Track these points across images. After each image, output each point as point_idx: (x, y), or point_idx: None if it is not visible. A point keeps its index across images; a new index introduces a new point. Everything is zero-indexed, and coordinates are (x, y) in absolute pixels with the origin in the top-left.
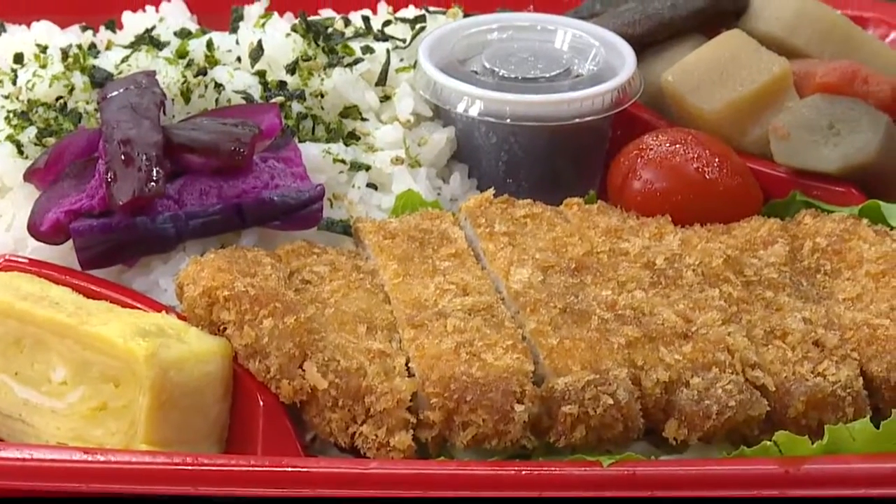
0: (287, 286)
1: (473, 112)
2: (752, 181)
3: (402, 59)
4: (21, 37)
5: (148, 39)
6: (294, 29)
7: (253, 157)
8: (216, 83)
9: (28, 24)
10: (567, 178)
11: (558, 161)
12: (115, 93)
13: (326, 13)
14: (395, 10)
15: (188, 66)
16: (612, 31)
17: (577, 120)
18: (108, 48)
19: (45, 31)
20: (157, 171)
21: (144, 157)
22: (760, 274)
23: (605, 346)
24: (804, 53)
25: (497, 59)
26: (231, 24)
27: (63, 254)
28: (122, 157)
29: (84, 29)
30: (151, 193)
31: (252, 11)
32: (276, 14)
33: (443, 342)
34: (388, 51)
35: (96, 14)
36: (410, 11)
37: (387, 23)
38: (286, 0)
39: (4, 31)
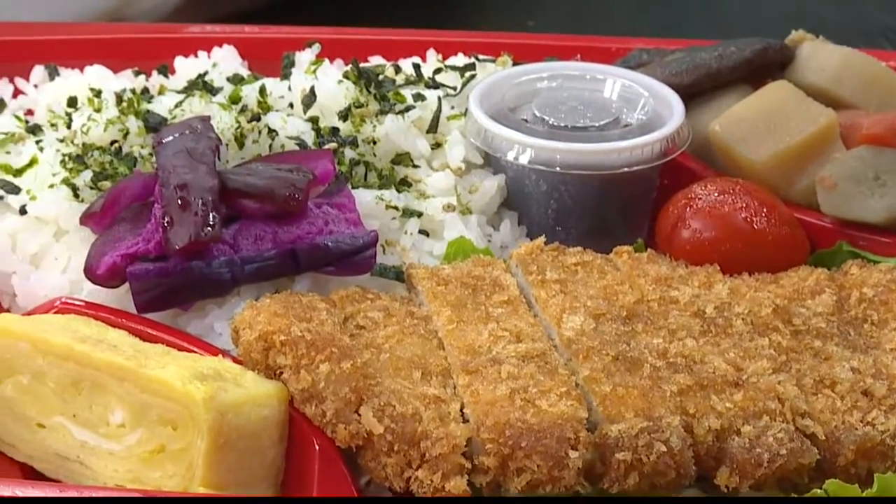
0: (342, 331)
1: (524, 160)
2: (799, 231)
3: (452, 107)
4: (74, 81)
5: (201, 85)
6: (346, 76)
7: (307, 202)
8: (269, 129)
9: (81, 69)
10: (615, 226)
11: (607, 209)
12: (170, 137)
13: (376, 60)
14: (445, 58)
15: (242, 111)
16: (659, 81)
17: (626, 169)
18: (161, 93)
19: (98, 76)
20: (214, 216)
21: (201, 202)
22: (809, 323)
23: (658, 394)
24: (849, 104)
25: (547, 108)
26: (282, 71)
27: (118, 297)
28: (179, 201)
29: (137, 74)
30: (208, 238)
31: (303, 58)
32: (326, 61)
33: (497, 388)
34: (439, 98)
35: (148, 59)
36: (460, 59)
37: (437, 70)
38: (337, 47)
39: (58, 74)
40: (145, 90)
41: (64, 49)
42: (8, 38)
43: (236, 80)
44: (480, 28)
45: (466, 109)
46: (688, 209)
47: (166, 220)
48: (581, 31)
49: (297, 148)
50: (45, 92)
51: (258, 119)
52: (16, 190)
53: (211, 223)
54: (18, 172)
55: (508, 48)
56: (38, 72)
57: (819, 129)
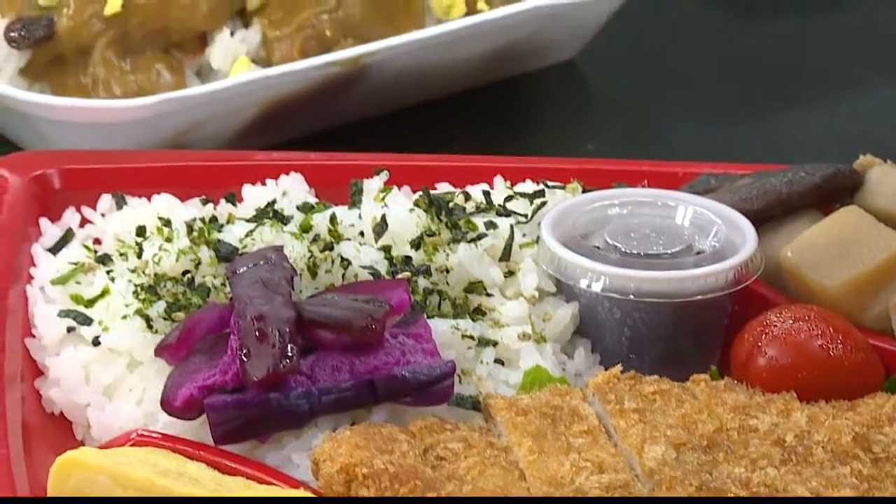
0: (423, 463)
1: (597, 288)
2: (873, 357)
3: (524, 235)
4: (142, 210)
5: (271, 213)
6: (417, 203)
7: (384, 333)
8: (342, 258)
9: (148, 197)
10: (688, 353)
11: (680, 337)
12: (244, 268)
13: (443, 187)
14: (513, 184)
15: (314, 241)
16: (729, 207)
17: (700, 297)
18: (230, 222)
19: (166, 205)
20: (292, 348)
21: (278, 334)
22: (888, 451)
23: None
24: None
25: (619, 235)
26: (350, 198)
27: (194, 429)
28: (256, 333)
29: (205, 202)
30: (286, 370)
31: (371, 185)
32: (395, 188)
33: None
34: (511, 226)
35: (216, 187)
36: (529, 186)
37: (508, 198)
38: (402, 173)
39: (125, 203)
40: (214, 219)
41: (130, 177)
42: (74, 167)
43: (306, 208)
44: (540, 152)
45: (538, 237)
46: (763, 336)
47: (244, 351)
48: (640, 154)
49: (370, 277)
50: (113, 221)
51: (331, 248)
52: (88, 321)
53: (289, 355)
54: (90, 303)
55: (575, 174)
56: (106, 200)
57: (892, 254)
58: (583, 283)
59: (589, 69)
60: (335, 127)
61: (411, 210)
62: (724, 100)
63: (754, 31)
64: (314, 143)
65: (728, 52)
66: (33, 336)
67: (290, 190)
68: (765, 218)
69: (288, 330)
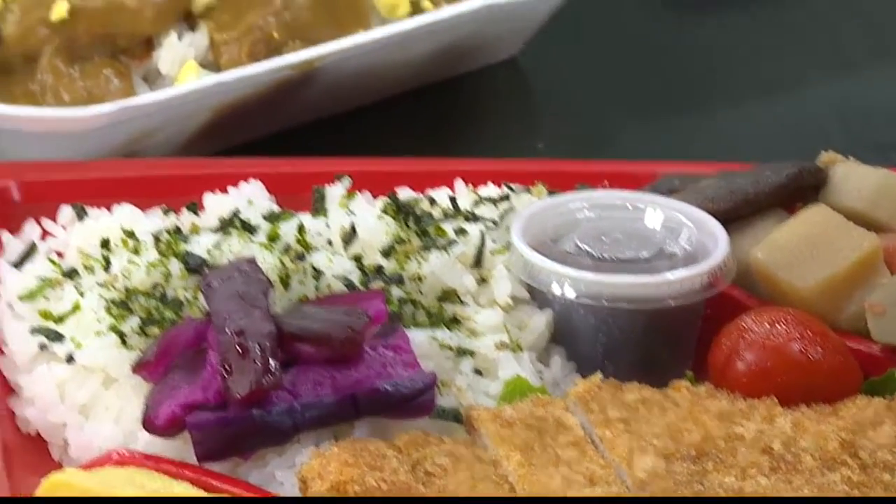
0: (414, 479)
1: (570, 294)
2: (851, 360)
3: (493, 241)
4: (104, 221)
5: (238, 223)
6: (384, 210)
7: (364, 345)
8: (315, 269)
9: (108, 207)
10: (663, 359)
11: (655, 342)
12: (219, 281)
13: (403, 191)
14: (475, 187)
15: (285, 251)
16: (696, 208)
17: (674, 301)
18: (193, 231)
19: (128, 215)
20: (274, 363)
21: (259, 349)
22: (875, 457)
23: None
24: (888, 228)
25: (590, 239)
26: (313, 205)
27: (175, 447)
28: (237, 348)
29: (166, 212)
30: (269, 385)
31: (333, 192)
32: (359, 194)
33: None
34: (481, 232)
35: (176, 196)
36: (492, 189)
37: (475, 202)
38: (362, 178)
39: (87, 215)
40: (178, 229)
41: (89, 188)
42: (31, 179)
43: (272, 217)
44: (489, 152)
45: (509, 242)
46: (741, 341)
47: (225, 367)
48: (590, 153)
49: (344, 288)
50: (75, 233)
51: (302, 259)
52: (60, 337)
53: (272, 370)
54: (60, 319)
55: (535, 175)
56: (66, 212)
57: (864, 254)
58: (556, 290)
59: (531, 67)
60: (284, 130)
61: (380, 217)
62: (670, 96)
63: (698, 26)
64: (265, 146)
65: (672, 47)
66: (2, 353)
67: (252, 197)
68: (731, 218)
69: (269, 344)
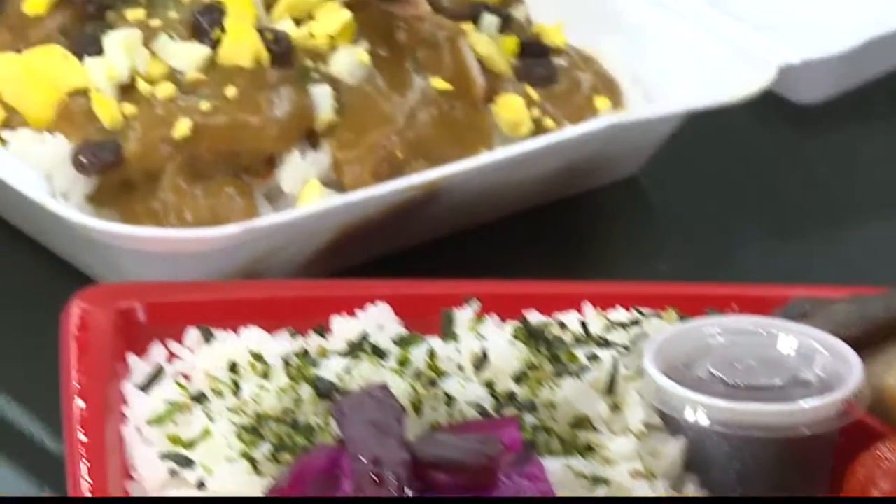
0: None
1: (704, 421)
2: None
3: (625, 367)
4: (232, 344)
5: (368, 348)
6: (515, 335)
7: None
8: (447, 395)
9: (235, 329)
10: (797, 487)
11: (789, 470)
12: (351, 407)
13: (533, 316)
14: (603, 310)
15: (417, 377)
16: (828, 334)
17: (809, 430)
18: (322, 355)
19: (255, 338)
20: (410, 492)
21: (394, 477)
22: None
23: None
24: None
25: (723, 366)
26: (442, 329)
27: None
28: (373, 477)
29: (293, 334)
30: None
31: (462, 315)
32: (488, 318)
33: None
34: (614, 358)
35: (302, 318)
36: (621, 313)
37: (606, 327)
38: (489, 300)
39: (213, 337)
40: (305, 352)
41: (216, 310)
42: (157, 300)
43: (402, 341)
44: (610, 273)
45: (641, 368)
46: (877, 470)
47: (360, 496)
48: (712, 274)
49: (476, 414)
50: (202, 356)
51: (434, 384)
52: (189, 463)
53: (408, 499)
54: (190, 445)
55: (664, 298)
56: (193, 334)
57: None
58: (689, 416)
59: (652, 185)
60: (401, 249)
61: (511, 342)
62: (795, 215)
63: (823, 141)
64: (386, 264)
65: (796, 163)
66: (132, 478)
67: (380, 320)
68: (864, 344)
69: (404, 473)
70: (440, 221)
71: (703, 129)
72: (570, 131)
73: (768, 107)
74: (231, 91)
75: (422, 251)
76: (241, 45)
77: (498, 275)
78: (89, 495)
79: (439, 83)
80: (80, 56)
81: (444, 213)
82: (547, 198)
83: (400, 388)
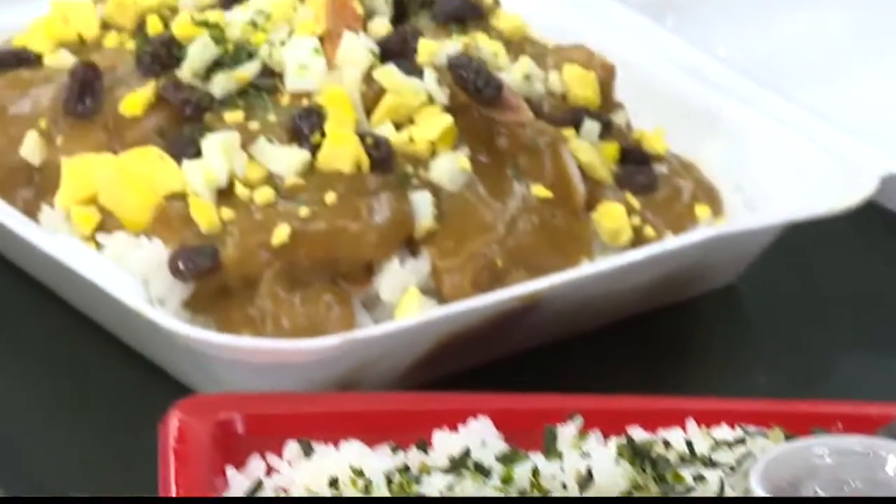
0: None
1: None
2: None
3: (732, 487)
4: (333, 458)
5: (471, 465)
6: (620, 453)
7: None
8: None
9: (335, 443)
10: None
11: None
12: None
13: (637, 433)
14: (707, 426)
15: (521, 495)
16: None
17: None
18: (423, 471)
19: (356, 452)
20: None
21: None
22: None
23: None
24: None
25: (830, 489)
26: (545, 445)
27: None
28: None
29: (394, 449)
30: None
31: (565, 431)
32: (591, 435)
33: None
34: (721, 479)
35: (403, 432)
36: (726, 431)
37: (712, 447)
38: (591, 416)
39: (313, 451)
40: (406, 468)
41: (316, 422)
42: (256, 412)
43: (505, 458)
44: (708, 386)
45: (747, 489)
46: None
47: None
48: (812, 389)
49: None
50: (301, 470)
51: None
52: None
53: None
54: None
55: (767, 415)
56: (292, 447)
57: None
58: None
59: (750, 294)
60: (498, 358)
61: (616, 461)
62: (891, 329)
63: None
64: (484, 373)
65: (893, 277)
66: None
67: (482, 435)
68: None
69: None
70: (539, 330)
71: (802, 237)
72: (671, 242)
73: (870, 216)
74: (330, 197)
75: (520, 359)
76: (341, 149)
77: (595, 385)
78: None
79: (540, 190)
80: (177, 158)
81: (543, 323)
82: (644, 307)
83: None
